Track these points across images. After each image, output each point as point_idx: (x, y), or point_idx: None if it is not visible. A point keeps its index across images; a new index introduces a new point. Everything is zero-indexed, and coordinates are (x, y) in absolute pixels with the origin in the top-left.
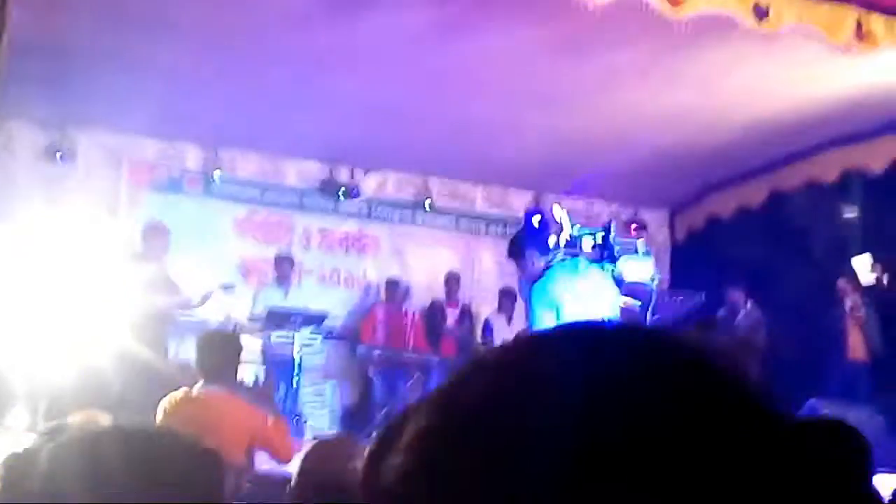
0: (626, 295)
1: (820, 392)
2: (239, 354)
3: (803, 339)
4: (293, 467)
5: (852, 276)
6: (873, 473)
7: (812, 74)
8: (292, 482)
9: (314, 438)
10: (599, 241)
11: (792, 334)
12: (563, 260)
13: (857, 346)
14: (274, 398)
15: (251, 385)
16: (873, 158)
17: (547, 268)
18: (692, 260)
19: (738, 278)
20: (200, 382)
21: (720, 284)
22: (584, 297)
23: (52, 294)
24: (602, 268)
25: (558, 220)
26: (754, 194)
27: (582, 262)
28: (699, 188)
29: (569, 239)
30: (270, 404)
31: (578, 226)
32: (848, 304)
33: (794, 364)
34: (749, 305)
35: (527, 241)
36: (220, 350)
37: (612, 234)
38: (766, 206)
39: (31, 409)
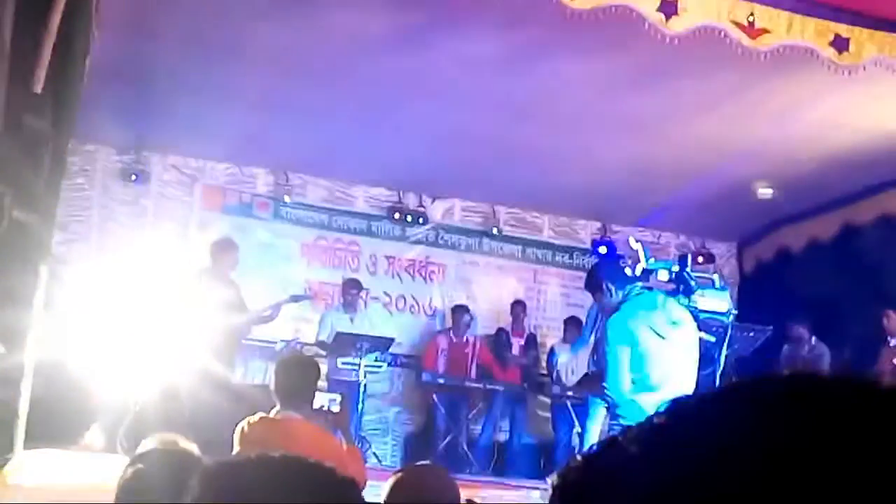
0: (701, 329)
1: None
2: (317, 380)
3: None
4: (379, 495)
5: None
6: None
7: (891, 107)
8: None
9: (381, 465)
10: (675, 273)
11: (857, 372)
12: (640, 293)
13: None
14: (349, 426)
15: (325, 411)
16: None
17: (624, 301)
18: (760, 293)
19: (802, 313)
20: (277, 406)
21: (788, 318)
22: (663, 331)
23: (127, 314)
24: (678, 301)
25: (634, 250)
26: (825, 228)
27: (660, 295)
28: (769, 220)
29: (643, 271)
30: (345, 431)
31: (653, 258)
32: (892, 341)
33: None
34: (813, 341)
35: (604, 272)
36: (299, 374)
37: (688, 266)
38: (838, 241)
39: (108, 429)
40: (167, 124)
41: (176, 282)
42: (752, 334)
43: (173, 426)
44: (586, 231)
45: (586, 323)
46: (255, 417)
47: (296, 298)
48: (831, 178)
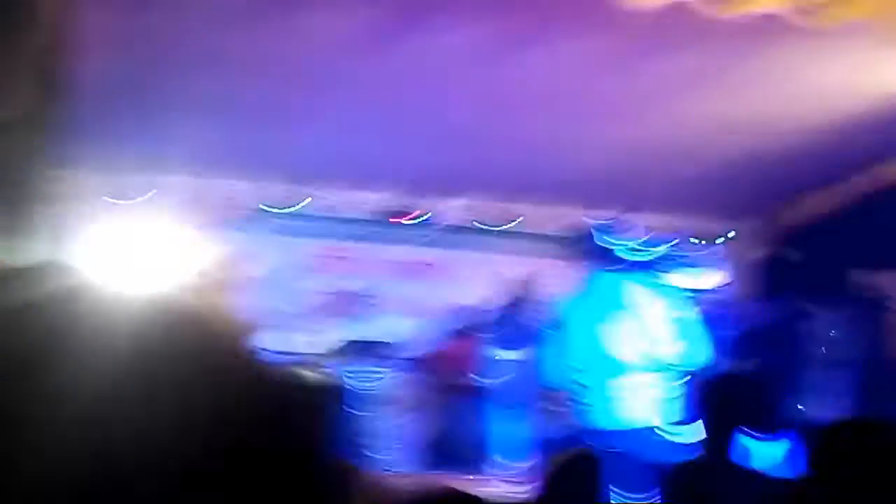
0: (693, 306)
1: None
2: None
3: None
4: None
5: None
6: None
7: (876, 72)
8: None
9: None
10: (662, 254)
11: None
12: (604, 274)
13: None
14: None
15: None
16: None
17: (589, 283)
18: (779, 270)
19: (827, 288)
20: None
21: (809, 294)
22: (626, 313)
23: None
24: (660, 281)
25: (620, 234)
26: (841, 198)
27: (627, 277)
28: (784, 196)
29: (632, 252)
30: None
31: (639, 239)
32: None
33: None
34: (830, 317)
35: (584, 255)
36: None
37: (675, 246)
38: (855, 211)
39: None
40: (159, 143)
41: (184, 301)
42: (757, 311)
43: None
44: (583, 219)
45: None
46: None
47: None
48: (832, 149)
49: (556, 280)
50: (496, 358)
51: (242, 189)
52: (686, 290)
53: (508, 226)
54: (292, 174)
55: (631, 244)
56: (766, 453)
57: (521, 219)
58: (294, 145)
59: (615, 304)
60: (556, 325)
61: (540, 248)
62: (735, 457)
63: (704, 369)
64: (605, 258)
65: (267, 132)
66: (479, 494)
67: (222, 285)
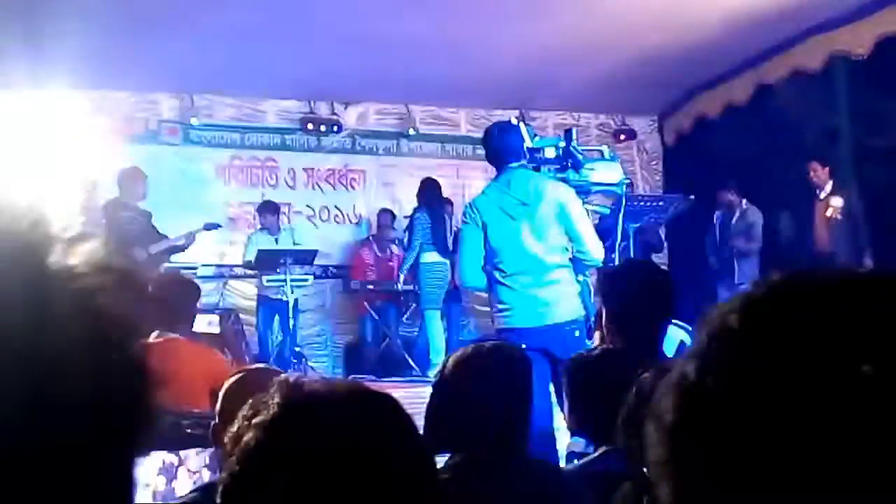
0: (594, 202)
1: None
2: (194, 299)
3: (797, 235)
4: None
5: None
6: None
7: None
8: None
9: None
10: (561, 149)
11: (787, 231)
12: (513, 172)
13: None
14: (237, 343)
15: (217, 332)
16: (857, 41)
17: (499, 182)
18: (684, 163)
19: (729, 179)
20: (157, 331)
21: (713, 185)
22: (536, 210)
23: None
24: (567, 176)
25: (527, 132)
26: (740, 90)
27: (535, 174)
28: (685, 90)
29: (529, 150)
30: (232, 349)
31: (538, 137)
32: (823, 193)
33: (792, 261)
34: (744, 205)
35: (493, 154)
36: (174, 295)
37: (574, 141)
38: (753, 102)
39: None
40: (61, 57)
41: (85, 215)
42: (660, 203)
43: None
44: (490, 119)
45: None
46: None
47: (209, 227)
48: (739, 39)
49: (468, 180)
50: (414, 261)
51: (149, 101)
52: (592, 184)
53: (420, 129)
54: (197, 85)
55: (537, 142)
56: (676, 341)
57: (432, 121)
58: (200, 56)
59: (525, 202)
60: (471, 225)
61: (450, 149)
62: (645, 348)
63: (609, 263)
64: (513, 156)
65: (174, 43)
66: (399, 397)
67: (123, 201)
